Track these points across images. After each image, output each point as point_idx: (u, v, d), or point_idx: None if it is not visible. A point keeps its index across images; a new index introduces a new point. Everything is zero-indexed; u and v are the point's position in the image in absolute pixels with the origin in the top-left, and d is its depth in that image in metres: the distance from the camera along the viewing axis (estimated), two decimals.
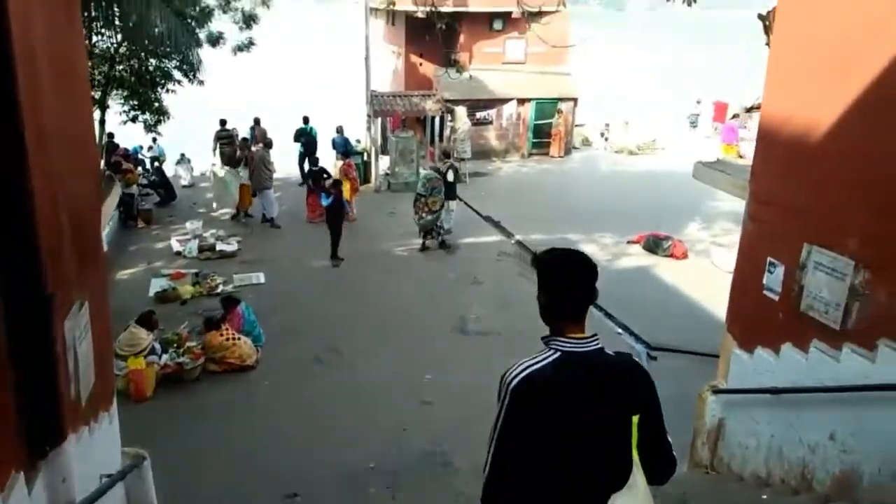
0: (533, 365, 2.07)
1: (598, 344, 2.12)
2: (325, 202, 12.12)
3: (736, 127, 19.47)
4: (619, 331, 8.80)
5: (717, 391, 5.02)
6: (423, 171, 12.86)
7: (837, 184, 3.94)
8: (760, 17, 4.84)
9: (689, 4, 8.81)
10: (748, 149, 18.86)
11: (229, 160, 18.07)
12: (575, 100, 21.62)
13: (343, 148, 17.76)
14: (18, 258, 2.27)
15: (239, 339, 8.41)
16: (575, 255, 2.20)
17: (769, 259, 4.50)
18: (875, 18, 3.64)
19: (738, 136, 19.09)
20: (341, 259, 12.05)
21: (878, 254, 3.66)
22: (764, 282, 4.54)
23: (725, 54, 50.51)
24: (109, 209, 5.65)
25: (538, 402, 2.03)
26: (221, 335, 8.29)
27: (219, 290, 10.75)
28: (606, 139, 23.40)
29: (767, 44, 4.84)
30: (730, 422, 4.90)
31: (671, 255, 12.20)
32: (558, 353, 2.07)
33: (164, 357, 8.13)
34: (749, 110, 10.99)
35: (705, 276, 11.43)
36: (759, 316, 4.62)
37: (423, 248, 12.71)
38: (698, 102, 25.98)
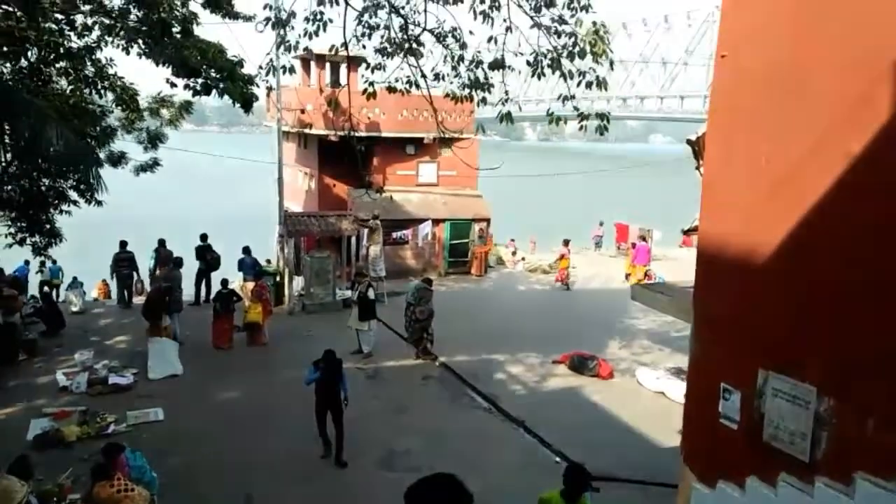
0: None
1: None
2: (310, 378, 8.86)
3: (648, 248, 20.34)
4: (557, 459, 8.34)
5: None
6: (412, 282, 14.01)
7: (787, 308, 3.86)
8: (689, 142, 5.00)
9: (582, 129, 8.89)
10: (657, 268, 19.77)
11: (124, 285, 17.05)
12: (488, 220, 22.21)
13: (253, 269, 17.08)
14: None
15: (132, 489, 7.29)
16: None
17: (723, 385, 4.31)
18: (810, 140, 3.69)
19: (650, 257, 19.94)
20: (345, 464, 8.86)
21: (841, 380, 3.53)
22: (720, 409, 4.33)
23: (618, 181, 54.31)
24: None
25: None
26: (112, 486, 7.15)
27: (110, 430, 9.59)
28: (523, 259, 23.95)
29: (698, 168, 4.93)
30: None
31: (598, 375, 12.06)
32: None
33: None
34: (687, 232, 11.42)
35: (634, 397, 11.36)
36: (719, 447, 4.35)
37: (418, 356, 13.08)
38: (601, 224, 27.36)
